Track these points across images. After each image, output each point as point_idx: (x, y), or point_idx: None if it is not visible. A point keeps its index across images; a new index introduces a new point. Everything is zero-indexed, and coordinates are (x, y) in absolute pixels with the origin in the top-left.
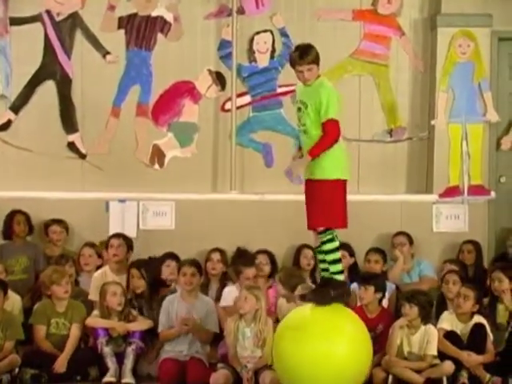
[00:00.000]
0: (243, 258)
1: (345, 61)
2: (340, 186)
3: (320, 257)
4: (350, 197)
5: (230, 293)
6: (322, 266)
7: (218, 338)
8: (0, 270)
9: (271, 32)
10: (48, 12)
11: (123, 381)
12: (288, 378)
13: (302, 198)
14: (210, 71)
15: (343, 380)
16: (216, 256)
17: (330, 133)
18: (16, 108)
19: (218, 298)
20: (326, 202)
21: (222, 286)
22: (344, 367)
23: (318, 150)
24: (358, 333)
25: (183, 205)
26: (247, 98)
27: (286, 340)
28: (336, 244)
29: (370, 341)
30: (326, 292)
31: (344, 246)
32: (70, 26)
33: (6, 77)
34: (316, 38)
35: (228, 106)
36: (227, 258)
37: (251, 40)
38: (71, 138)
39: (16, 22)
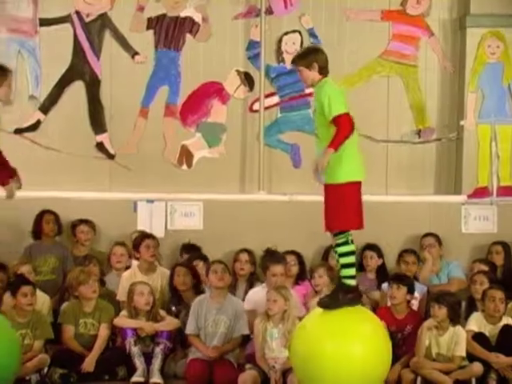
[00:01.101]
0: (272, 256)
1: (373, 62)
2: (352, 188)
3: (336, 259)
4: (377, 198)
5: (255, 294)
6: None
7: (245, 338)
8: (28, 270)
9: (300, 32)
10: (77, 13)
11: (151, 381)
12: (305, 379)
13: None
14: (238, 72)
15: (361, 381)
16: (244, 256)
17: (342, 125)
18: (45, 108)
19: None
20: (338, 206)
21: (250, 286)
22: (362, 368)
23: (336, 143)
24: (377, 333)
25: (211, 205)
26: (275, 99)
27: (303, 340)
28: (350, 248)
29: (388, 341)
30: (336, 297)
31: (372, 247)
32: (99, 26)
33: (35, 77)
34: (344, 38)
35: (256, 106)
36: (255, 259)
37: (279, 40)
38: (100, 138)
39: (45, 22)
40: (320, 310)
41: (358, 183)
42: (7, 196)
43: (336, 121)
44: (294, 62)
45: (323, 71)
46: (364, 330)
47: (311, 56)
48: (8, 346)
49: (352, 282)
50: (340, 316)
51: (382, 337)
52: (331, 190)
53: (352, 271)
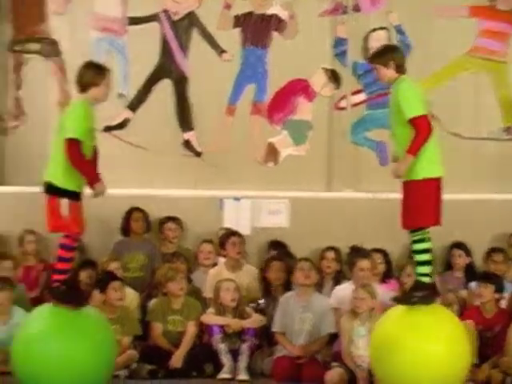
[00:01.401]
0: (358, 251)
1: (461, 58)
2: (431, 184)
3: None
4: (465, 196)
5: (340, 291)
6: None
7: (332, 336)
8: (117, 267)
9: (387, 29)
10: (165, 11)
11: (238, 378)
12: (386, 379)
13: None
14: (324, 69)
15: (441, 381)
16: (330, 254)
17: (420, 128)
18: (133, 106)
19: None
20: (415, 203)
21: (336, 284)
22: (442, 368)
23: (415, 148)
24: (456, 332)
25: (297, 203)
26: (362, 96)
27: (382, 338)
28: (426, 245)
29: (468, 342)
30: (409, 294)
31: (460, 246)
32: (186, 25)
33: (123, 76)
34: (432, 35)
35: (343, 103)
36: (341, 257)
37: (366, 37)
38: (187, 136)
39: (134, 21)
40: (399, 307)
41: (437, 179)
42: (97, 194)
43: (414, 123)
44: (370, 59)
45: (400, 69)
46: (444, 328)
47: (388, 54)
48: (107, 344)
49: (427, 280)
50: (420, 314)
51: (462, 336)
52: (410, 187)
53: (427, 269)
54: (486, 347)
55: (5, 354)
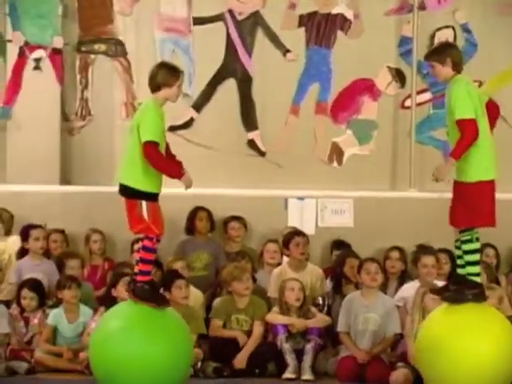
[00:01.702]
0: (423, 248)
1: None
2: (482, 187)
3: (458, 252)
4: None
5: (404, 291)
6: (459, 261)
7: (397, 336)
8: (182, 266)
9: (453, 28)
10: (230, 11)
11: (303, 377)
12: (430, 375)
13: None
14: (389, 68)
15: (487, 380)
16: (395, 254)
17: (465, 132)
18: (198, 106)
19: None
20: (466, 204)
21: (401, 284)
22: (488, 366)
23: (458, 152)
24: (504, 332)
25: (362, 202)
26: (427, 95)
27: (430, 336)
28: (475, 246)
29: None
30: (462, 292)
31: None
32: (251, 24)
33: (189, 76)
34: (499, 33)
35: (408, 103)
36: (406, 257)
37: (432, 36)
38: (251, 135)
39: (199, 21)
40: (445, 306)
41: (490, 182)
42: (188, 186)
43: (460, 125)
44: (427, 57)
45: (457, 67)
46: (492, 328)
47: (445, 51)
48: (186, 345)
49: (477, 279)
50: (468, 313)
51: (510, 336)
52: (461, 188)
53: (477, 269)
54: None
55: (72, 352)
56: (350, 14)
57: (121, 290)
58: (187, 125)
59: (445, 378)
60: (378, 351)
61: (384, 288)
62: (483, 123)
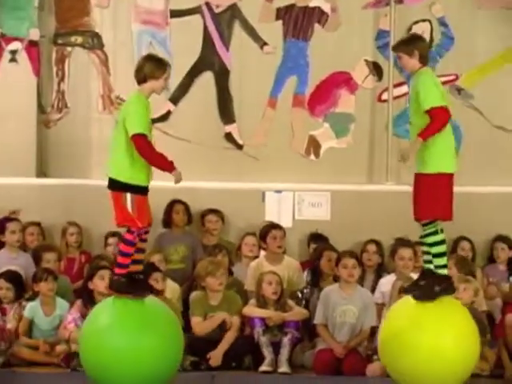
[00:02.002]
0: (401, 241)
1: (506, 51)
2: (442, 179)
3: (424, 248)
4: (508, 188)
5: (383, 285)
6: (426, 257)
7: (374, 329)
8: (159, 259)
9: (430, 21)
10: (207, 4)
11: (279, 370)
12: (394, 370)
13: (459, 189)
14: (366, 61)
15: (451, 374)
16: (372, 247)
17: (438, 118)
18: (175, 99)
19: (373, 290)
20: (427, 196)
21: (378, 277)
22: (452, 361)
23: (426, 134)
24: (466, 326)
25: (339, 196)
26: (404, 88)
27: (394, 331)
28: (440, 237)
29: (477, 334)
30: (430, 287)
31: (503, 239)
32: (228, 17)
33: None
34: (476, 27)
35: (385, 96)
36: (383, 250)
37: (409, 30)
38: (228, 128)
39: (176, 14)
40: (407, 299)
41: (449, 175)
42: (177, 180)
43: (432, 112)
44: (394, 48)
45: (423, 60)
46: (454, 321)
47: (413, 43)
48: (175, 335)
49: (445, 271)
50: (430, 306)
51: (473, 330)
52: (421, 180)
53: (444, 260)
54: None
55: (49, 345)
56: (327, 7)
57: (97, 282)
58: (164, 118)
59: (406, 372)
60: (355, 344)
61: (361, 281)
62: None
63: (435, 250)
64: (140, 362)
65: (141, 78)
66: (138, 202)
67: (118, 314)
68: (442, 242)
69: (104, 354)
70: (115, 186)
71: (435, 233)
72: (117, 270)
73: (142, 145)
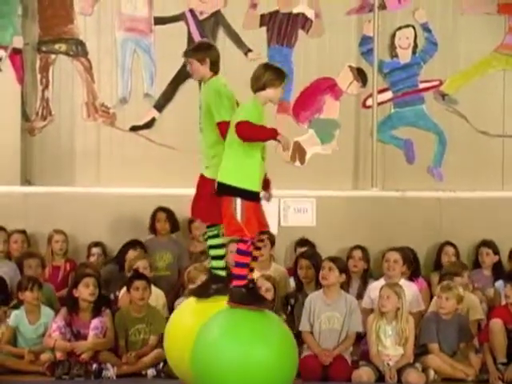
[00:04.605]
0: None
1: (489, 56)
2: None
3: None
4: (493, 193)
5: (371, 290)
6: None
7: (360, 335)
8: (145, 266)
9: (413, 27)
10: (191, 11)
11: None
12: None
13: (444, 195)
14: (351, 67)
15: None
16: (357, 253)
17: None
18: (160, 106)
19: (359, 296)
20: (212, 200)
21: (364, 283)
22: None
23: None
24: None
25: (324, 202)
26: (389, 94)
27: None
28: (219, 241)
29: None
30: (206, 286)
31: (488, 244)
32: (212, 24)
33: (150, 75)
34: (459, 32)
35: (369, 102)
36: (369, 256)
37: (393, 35)
38: None
39: (160, 21)
40: (193, 300)
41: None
42: (285, 145)
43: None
44: (186, 53)
45: (214, 68)
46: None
47: (205, 50)
48: (291, 347)
49: (223, 273)
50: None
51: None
52: (206, 183)
53: (221, 263)
54: None
55: (34, 354)
56: (311, 14)
57: (82, 290)
58: (149, 125)
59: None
60: (341, 350)
61: (347, 287)
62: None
63: (214, 252)
64: (253, 378)
65: (260, 85)
66: (247, 209)
67: (230, 326)
68: (221, 246)
69: (217, 367)
70: (223, 190)
71: (217, 236)
72: (235, 282)
73: (241, 126)
